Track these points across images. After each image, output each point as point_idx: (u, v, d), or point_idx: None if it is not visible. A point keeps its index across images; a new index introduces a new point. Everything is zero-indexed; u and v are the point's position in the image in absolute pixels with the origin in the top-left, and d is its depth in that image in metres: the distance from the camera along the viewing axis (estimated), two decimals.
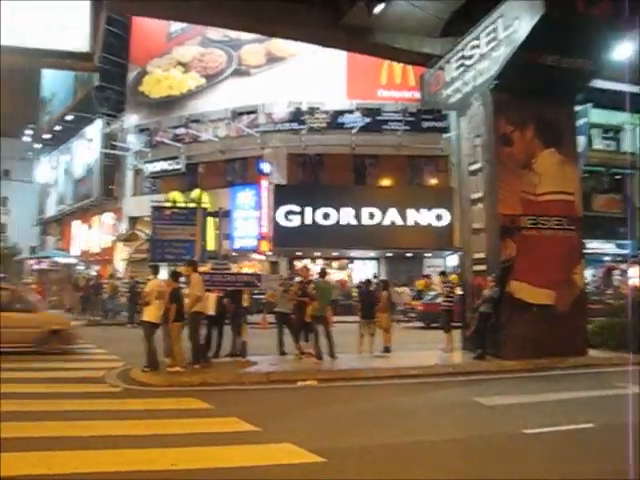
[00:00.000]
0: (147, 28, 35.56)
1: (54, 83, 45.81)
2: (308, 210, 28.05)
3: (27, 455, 5.37)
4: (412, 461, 5.67)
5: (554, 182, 12.64)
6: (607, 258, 30.55)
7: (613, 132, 31.91)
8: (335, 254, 30.62)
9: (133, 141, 36.10)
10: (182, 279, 10.99)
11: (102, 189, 38.56)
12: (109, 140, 37.67)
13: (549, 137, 12.71)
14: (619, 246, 29.66)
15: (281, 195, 28.52)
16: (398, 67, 29.18)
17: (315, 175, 31.01)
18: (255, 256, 30.33)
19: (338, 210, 28.02)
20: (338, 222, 28.01)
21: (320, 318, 11.70)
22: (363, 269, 30.27)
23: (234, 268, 22.77)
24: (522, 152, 12.53)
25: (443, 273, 15.50)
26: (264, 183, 28.95)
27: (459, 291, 13.97)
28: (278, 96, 30.63)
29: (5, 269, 39.96)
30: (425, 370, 10.91)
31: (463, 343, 13.19)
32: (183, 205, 20.64)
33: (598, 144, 31.16)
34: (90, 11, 11.23)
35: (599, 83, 15.62)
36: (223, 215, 20.78)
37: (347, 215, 28.03)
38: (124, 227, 36.46)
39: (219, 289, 11.65)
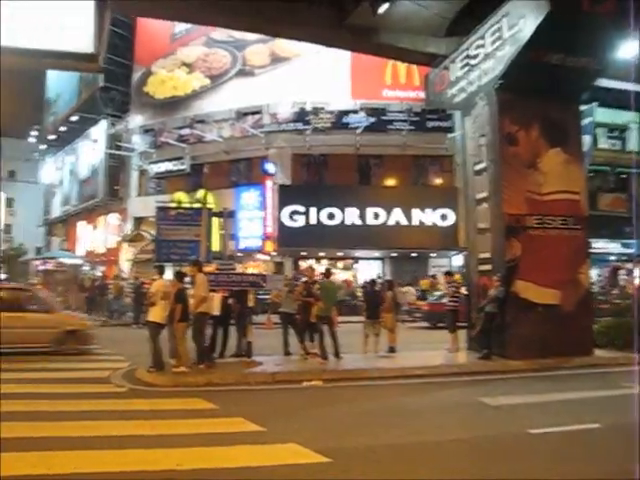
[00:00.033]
0: (151, 29, 35.70)
1: (59, 84, 45.98)
2: (313, 210, 28.01)
3: (27, 455, 5.38)
4: (417, 461, 5.66)
5: (559, 181, 12.61)
6: (613, 258, 30.47)
7: (618, 131, 31.82)
8: (340, 254, 30.60)
9: (138, 142, 36.19)
10: (187, 279, 10.99)
11: (107, 190, 38.72)
12: (114, 141, 37.82)
13: (554, 136, 12.67)
14: (625, 245, 29.53)
15: (286, 195, 28.49)
16: (402, 67, 29.18)
17: (320, 175, 30.99)
18: (260, 256, 30.34)
19: (343, 210, 27.97)
20: (343, 222, 27.97)
21: (325, 318, 11.71)
22: (368, 269, 30.23)
23: (239, 268, 22.76)
24: (527, 151, 12.50)
25: (448, 273, 15.45)
26: (269, 183, 28.95)
27: (464, 291, 13.95)
28: (282, 96, 30.67)
29: (10, 270, 40.17)
30: (430, 370, 10.89)
31: (468, 343, 13.16)
32: (188, 206, 20.71)
33: (603, 143, 31.07)
34: (94, 12, 11.26)
35: (604, 82, 15.55)
36: (228, 215, 20.85)
37: (352, 215, 27.99)
38: (129, 228, 36.55)
39: (224, 289, 11.65)
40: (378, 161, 30.86)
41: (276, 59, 31.59)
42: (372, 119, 29.62)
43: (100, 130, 39.52)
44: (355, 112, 30.11)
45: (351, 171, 30.35)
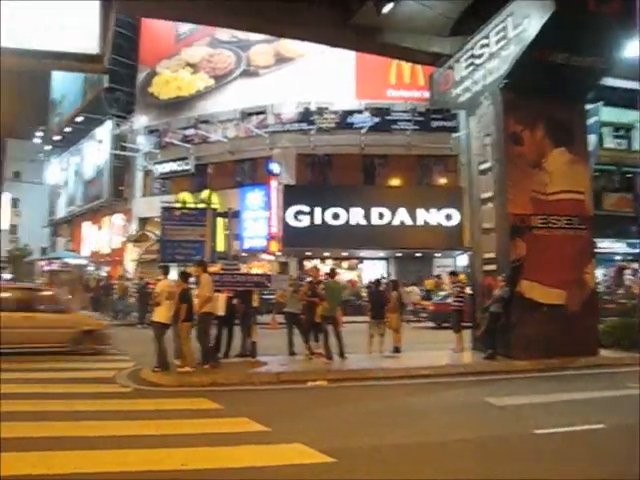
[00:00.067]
0: (156, 29, 35.79)
1: (64, 85, 46.16)
2: (317, 210, 28.05)
3: (27, 455, 5.38)
4: (423, 461, 5.66)
5: (565, 181, 12.56)
6: (618, 257, 30.32)
7: (624, 130, 31.67)
8: (345, 254, 30.59)
9: (143, 142, 36.28)
10: (192, 280, 11.01)
11: (112, 190, 38.83)
12: (119, 141, 37.92)
13: (559, 136, 12.62)
14: (630, 245, 29.41)
15: (290, 195, 28.53)
16: (407, 67, 29.14)
17: (324, 175, 30.99)
18: (264, 256, 30.38)
19: (347, 210, 27.99)
20: (347, 222, 27.99)
21: (330, 318, 11.71)
22: (373, 269, 30.24)
23: (244, 268, 22.77)
24: (532, 151, 12.45)
25: (453, 273, 15.43)
26: (273, 183, 29.00)
27: (469, 291, 13.93)
28: (287, 96, 30.68)
29: (16, 270, 40.35)
30: (435, 370, 10.88)
31: (473, 343, 13.14)
32: (193, 206, 20.65)
33: (609, 143, 30.92)
34: (99, 13, 11.27)
35: (610, 81, 15.52)
36: (232, 216, 20.77)
37: (356, 215, 28.00)
38: (134, 228, 36.64)
39: (229, 289, 11.67)
40: (383, 161, 30.83)
41: (280, 59, 31.62)
42: (376, 119, 29.58)
43: (105, 131, 39.65)
44: (359, 112, 30.09)
45: (356, 171, 30.34)
